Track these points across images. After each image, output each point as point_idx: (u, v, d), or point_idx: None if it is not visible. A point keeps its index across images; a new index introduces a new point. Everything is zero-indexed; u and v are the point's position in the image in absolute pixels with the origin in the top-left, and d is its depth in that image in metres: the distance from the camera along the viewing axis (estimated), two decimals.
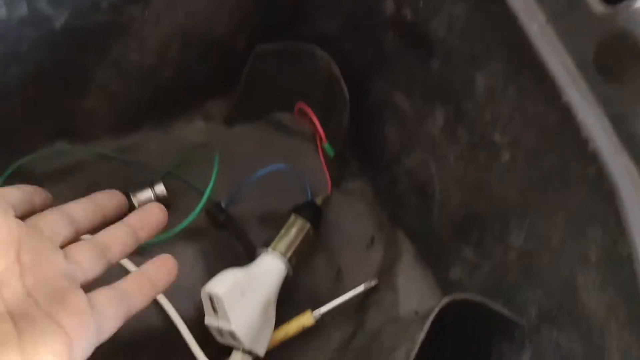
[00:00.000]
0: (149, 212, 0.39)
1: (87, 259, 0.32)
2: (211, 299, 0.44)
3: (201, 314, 0.45)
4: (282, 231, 0.50)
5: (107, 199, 0.39)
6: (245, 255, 0.52)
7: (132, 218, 0.37)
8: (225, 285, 0.44)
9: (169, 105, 0.56)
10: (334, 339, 0.51)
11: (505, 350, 0.37)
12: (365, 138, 0.52)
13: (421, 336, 0.35)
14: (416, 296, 0.47)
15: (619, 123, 0.29)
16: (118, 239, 0.35)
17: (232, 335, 0.44)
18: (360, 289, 0.50)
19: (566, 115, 0.29)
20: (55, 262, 0.30)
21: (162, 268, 0.37)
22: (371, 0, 0.43)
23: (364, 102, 0.50)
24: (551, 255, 0.32)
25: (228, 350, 0.46)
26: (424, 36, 0.38)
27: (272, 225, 0.52)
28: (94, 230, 0.36)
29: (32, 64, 0.44)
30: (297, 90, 0.53)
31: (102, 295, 0.32)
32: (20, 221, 0.31)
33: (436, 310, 0.35)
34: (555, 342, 0.32)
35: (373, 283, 0.51)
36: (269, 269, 0.48)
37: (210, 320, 0.45)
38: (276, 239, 0.50)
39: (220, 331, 0.45)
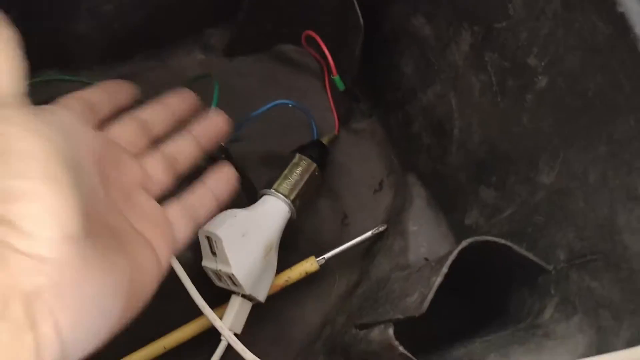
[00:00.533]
0: (212, 121, 0.39)
1: (160, 171, 0.33)
2: (209, 240, 0.41)
3: (198, 256, 0.43)
4: (286, 171, 0.47)
5: (180, 102, 0.38)
6: (245, 197, 0.49)
7: (196, 128, 0.37)
8: (225, 225, 0.41)
9: (166, 34, 0.52)
10: (338, 286, 0.48)
11: (526, 295, 0.34)
12: (378, 72, 0.48)
13: (438, 280, 0.32)
14: (427, 242, 0.44)
15: None
16: (184, 149, 0.36)
17: (232, 278, 0.41)
18: (367, 235, 0.47)
19: (621, 27, 0.25)
20: (134, 175, 0.31)
21: (222, 178, 0.38)
22: None
23: (378, 30, 0.45)
24: (588, 193, 0.29)
25: (226, 294, 0.43)
26: None
27: (275, 165, 0.49)
28: (167, 135, 0.36)
29: None
30: (304, 18, 0.48)
31: (173, 208, 0.33)
32: (99, 133, 0.31)
33: (455, 252, 0.32)
34: (586, 288, 0.29)
35: (381, 229, 0.47)
36: (272, 210, 0.45)
37: (208, 262, 0.42)
38: (279, 180, 0.46)
39: (218, 274, 0.42)
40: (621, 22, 0.25)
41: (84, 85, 0.52)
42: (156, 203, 0.32)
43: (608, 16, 0.25)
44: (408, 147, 0.47)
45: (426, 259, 0.44)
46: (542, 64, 0.30)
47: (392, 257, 0.45)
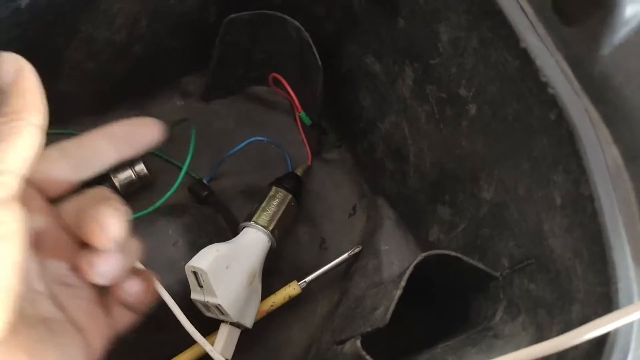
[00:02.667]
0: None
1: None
2: (196, 274, 0.44)
3: (186, 289, 0.46)
4: (264, 204, 0.50)
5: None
6: (228, 230, 0.52)
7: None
8: (209, 259, 0.44)
9: (145, 84, 0.56)
10: (321, 307, 0.52)
11: (482, 302, 0.37)
12: (341, 106, 0.52)
13: (397, 293, 0.35)
14: (398, 260, 0.48)
15: (577, 65, 0.29)
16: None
17: (219, 308, 0.44)
18: (344, 257, 0.50)
19: (525, 60, 0.29)
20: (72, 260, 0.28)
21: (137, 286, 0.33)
22: None
23: (338, 69, 0.49)
24: (519, 205, 0.33)
25: (216, 323, 0.46)
26: None
27: (255, 198, 0.52)
28: None
29: (0, 47, 0.44)
30: (270, 62, 0.52)
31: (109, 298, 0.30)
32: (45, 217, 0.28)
33: (411, 267, 0.35)
34: (526, 290, 0.32)
35: (357, 250, 0.51)
36: (253, 242, 0.48)
37: (196, 295, 0.45)
38: (258, 212, 0.50)
39: (206, 305, 0.45)
40: (525, 56, 0.29)
41: (71, 137, 0.57)
42: (93, 289, 0.29)
43: (515, 51, 0.29)
44: (375, 172, 0.51)
45: (399, 276, 0.47)
46: (471, 93, 0.34)
47: (367, 276, 0.49)
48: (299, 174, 0.54)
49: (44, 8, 0.43)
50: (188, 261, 0.45)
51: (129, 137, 0.31)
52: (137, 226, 0.47)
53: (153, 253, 0.46)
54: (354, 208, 0.55)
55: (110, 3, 0.46)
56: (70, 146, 0.30)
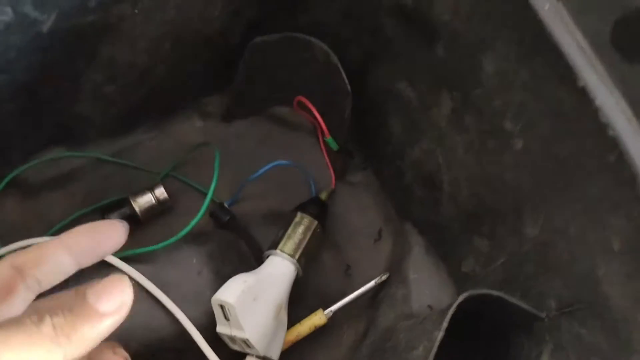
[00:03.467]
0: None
1: None
2: (222, 308, 0.43)
3: (211, 320, 0.44)
4: (289, 231, 0.49)
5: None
6: (251, 256, 0.51)
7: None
8: (236, 292, 0.42)
9: (165, 105, 0.54)
10: (347, 336, 0.50)
11: (524, 343, 0.35)
12: (368, 128, 0.51)
13: (440, 335, 0.34)
14: (428, 290, 0.46)
15: (637, 104, 0.27)
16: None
17: (246, 342, 0.43)
18: (370, 284, 0.49)
19: (583, 99, 0.27)
20: None
21: None
22: None
23: (366, 92, 0.48)
24: (569, 246, 0.31)
25: (241, 355, 0.45)
26: (427, 21, 0.37)
27: (278, 223, 0.51)
28: None
29: (22, 71, 0.43)
30: (295, 83, 0.51)
31: None
32: None
33: (454, 307, 0.34)
34: (576, 335, 0.31)
35: (384, 277, 0.49)
36: (279, 271, 0.47)
37: (222, 328, 0.44)
38: (284, 240, 0.48)
39: (232, 339, 0.44)
40: (583, 95, 0.27)
41: (90, 160, 0.55)
42: None
43: (571, 88, 0.28)
44: (402, 197, 0.50)
45: (429, 307, 0.46)
46: (517, 128, 0.32)
47: (396, 306, 0.47)
48: (323, 198, 0.52)
49: (66, 33, 0.42)
50: (213, 291, 0.44)
51: (90, 246, 0.30)
52: (160, 256, 0.47)
53: (177, 284, 0.45)
54: (379, 233, 0.53)
55: (133, 26, 0.45)
56: (26, 262, 0.28)
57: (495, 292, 0.34)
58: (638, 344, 0.27)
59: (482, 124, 0.35)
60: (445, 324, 0.33)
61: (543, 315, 0.33)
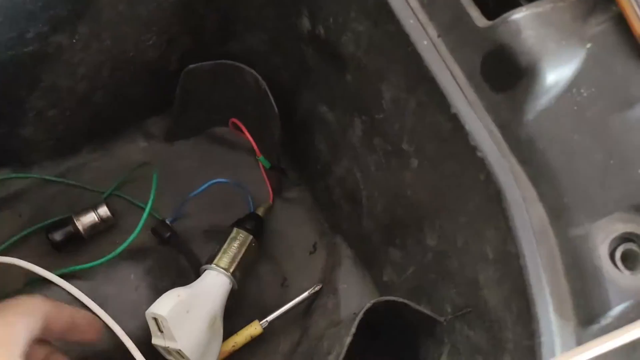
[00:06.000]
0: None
1: None
2: (156, 320, 0.45)
3: (147, 333, 0.46)
4: (225, 246, 0.51)
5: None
6: (191, 271, 0.53)
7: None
8: (169, 305, 0.45)
9: (108, 127, 0.57)
10: (282, 345, 0.53)
11: (430, 345, 0.39)
12: (299, 147, 0.54)
13: (348, 340, 0.37)
14: (356, 299, 0.49)
15: (505, 128, 0.31)
16: None
17: (180, 353, 0.45)
18: (304, 295, 0.52)
19: (456, 124, 0.31)
20: None
21: None
22: (290, 17, 0.45)
23: (296, 113, 0.51)
24: (458, 255, 0.34)
25: None
26: (337, 51, 0.40)
27: (218, 238, 0.53)
28: None
29: None
30: (230, 106, 0.54)
31: None
32: None
33: (360, 314, 0.37)
34: (466, 336, 0.34)
35: (317, 288, 0.52)
36: (214, 285, 0.49)
37: (157, 340, 0.46)
38: (219, 254, 0.51)
39: (167, 350, 0.46)
40: (456, 120, 0.31)
41: (35, 180, 0.57)
42: None
43: (447, 115, 0.31)
44: (333, 212, 0.53)
45: (355, 314, 0.49)
46: (412, 148, 0.36)
47: (327, 315, 0.50)
48: (260, 213, 0.55)
49: (6, 62, 0.44)
50: (149, 305, 0.46)
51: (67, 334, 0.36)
52: (98, 272, 0.49)
53: (114, 299, 0.48)
54: (314, 246, 0.56)
55: (71, 54, 0.47)
56: None
57: (399, 299, 0.37)
58: (508, 344, 0.30)
59: (387, 145, 0.39)
60: (353, 329, 0.36)
61: (442, 319, 0.37)
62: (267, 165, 0.53)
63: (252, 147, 0.58)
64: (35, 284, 0.49)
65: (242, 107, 0.53)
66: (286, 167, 0.55)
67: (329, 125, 0.46)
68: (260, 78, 0.48)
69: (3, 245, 0.54)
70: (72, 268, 0.48)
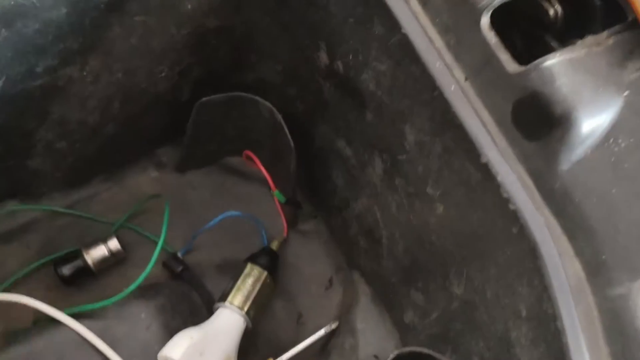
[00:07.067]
0: None
1: None
2: None
3: None
4: (239, 282, 0.50)
5: None
6: (204, 307, 0.52)
7: None
8: (182, 348, 0.43)
9: (119, 157, 0.56)
10: None
11: None
12: (316, 180, 0.52)
13: None
14: (375, 339, 0.47)
15: (538, 179, 0.29)
16: None
17: None
18: (320, 333, 0.50)
19: (487, 175, 0.29)
20: None
21: None
22: (306, 50, 0.43)
23: (312, 145, 0.50)
24: (488, 308, 0.33)
25: None
26: (357, 88, 0.39)
27: (231, 272, 0.52)
28: None
29: None
30: (243, 137, 0.53)
31: None
32: None
33: None
34: None
35: (333, 326, 0.50)
36: (227, 324, 0.47)
37: None
38: (233, 291, 0.49)
39: None
40: (486, 171, 0.29)
41: (44, 212, 0.56)
42: None
43: (476, 164, 0.30)
44: (350, 247, 0.51)
45: (375, 357, 0.47)
46: (437, 193, 0.34)
47: (344, 356, 0.48)
48: (274, 247, 0.53)
49: (15, 96, 0.43)
50: (161, 345, 0.45)
51: None
52: (109, 310, 0.48)
53: (126, 339, 0.46)
54: (330, 281, 0.54)
55: (82, 87, 0.46)
56: None
57: (425, 350, 0.36)
58: None
59: (409, 186, 0.37)
60: None
61: None
62: (282, 199, 0.51)
63: (264, 178, 0.56)
64: (44, 322, 0.48)
65: (255, 138, 0.52)
66: (301, 199, 0.54)
67: (347, 161, 0.44)
68: (275, 111, 0.47)
69: (11, 279, 0.53)
70: (82, 307, 0.47)
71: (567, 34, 0.32)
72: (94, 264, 0.52)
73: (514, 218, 0.28)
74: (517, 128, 0.29)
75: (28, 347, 0.45)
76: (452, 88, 0.30)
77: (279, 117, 0.47)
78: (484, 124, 0.30)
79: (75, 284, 0.53)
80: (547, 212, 0.29)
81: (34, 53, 0.42)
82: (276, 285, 0.53)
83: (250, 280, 0.50)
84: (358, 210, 0.46)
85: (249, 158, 0.53)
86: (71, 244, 0.54)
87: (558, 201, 0.29)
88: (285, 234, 0.55)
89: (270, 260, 0.52)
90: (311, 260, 0.55)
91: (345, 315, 0.51)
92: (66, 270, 0.52)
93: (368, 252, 0.47)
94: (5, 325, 0.50)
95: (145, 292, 0.49)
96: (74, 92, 0.46)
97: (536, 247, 0.28)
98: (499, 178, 0.29)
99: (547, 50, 0.31)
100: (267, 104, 0.47)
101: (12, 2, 0.39)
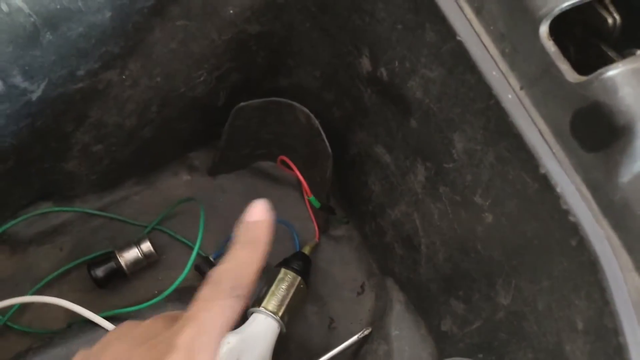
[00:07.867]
0: None
1: None
2: None
3: None
4: (273, 287, 0.50)
5: None
6: None
7: None
8: (219, 354, 0.43)
9: (152, 160, 0.56)
10: None
11: None
12: (350, 186, 0.52)
13: None
14: (409, 346, 0.47)
15: (597, 190, 0.29)
16: None
17: None
18: (353, 339, 0.50)
19: (545, 185, 0.29)
20: None
21: None
22: (347, 56, 0.43)
23: (348, 151, 0.49)
24: (539, 320, 0.32)
25: None
26: (401, 95, 0.38)
27: (263, 277, 0.52)
28: None
29: (11, 136, 0.44)
30: (278, 142, 0.53)
31: None
32: None
33: None
34: None
35: (366, 332, 0.50)
36: (263, 329, 0.47)
37: None
38: (267, 297, 0.49)
39: None
40: (545, 181, 0.29)
41: (77, 214, 0.56)
42: None
43: (533, 174, 0.29)
44: (384, 254, 0.51)
45: None
46: (487, 203, 0.34)
47: None
48: (306, 252, 0.53)
49: (55, 99, 0.44)
50: None
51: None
52: (144, 313, 0.48)
53: None
54: (362, 287, 0.54)
55: (121, 90, 0.46)
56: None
57: None
58: None
59: (455, 195, 0.37)
60: None
61: None
62: (318, 205, 0.51)
63: (297, 183, 0.56)
64: (80, 324, 0.48)
65: (290, 143, 0.52)
66: (333, 205, 0.54)
67: (385, 167, 0.44)
68: (312, 116, 0.47)
69: (44, 280, 0.53)
70: (118, 311, 0.47)
71: (621, 43, 0.32)
72: (126, 266, 0.52)
73: (574, 230, 0.28)
74: (576, 138, 0.29)
75: (65, 348, 0.46)
76: (509, 97, 0.30)
77: (317, 122, 0.47)
78: (542, 134, 0.29)
79: (108, 286, 0.53)
80: (606, 224, 0.28)
81: (77, 56, 0.42)
82: (309, 292, 0.52)
83: (284, 285, 0.50)
84: (395, 217, 0.46)
85: (283, 163, 0.53)
86: (103, 245, 0.55)
87: (618, 214, 0.28)
88: (317, 239, 0.55)
89: (304, 264, 0.52)
90: (343, 265, 0.55)
91: (378, 322, 0.50)
92: (100, 272, 0.52)
93: (404, 259, 0.47)
94: (41, 326, 0.51)
95: (180, 295, 0.49)
96: (113, 96, 0.46)
97: (597, 261, 0.27)
98: (559, 189, 0.28)
99: (604, 59, 0.31)
100: (305, 109, 0.47)
101: (59, 6, 0.39)
